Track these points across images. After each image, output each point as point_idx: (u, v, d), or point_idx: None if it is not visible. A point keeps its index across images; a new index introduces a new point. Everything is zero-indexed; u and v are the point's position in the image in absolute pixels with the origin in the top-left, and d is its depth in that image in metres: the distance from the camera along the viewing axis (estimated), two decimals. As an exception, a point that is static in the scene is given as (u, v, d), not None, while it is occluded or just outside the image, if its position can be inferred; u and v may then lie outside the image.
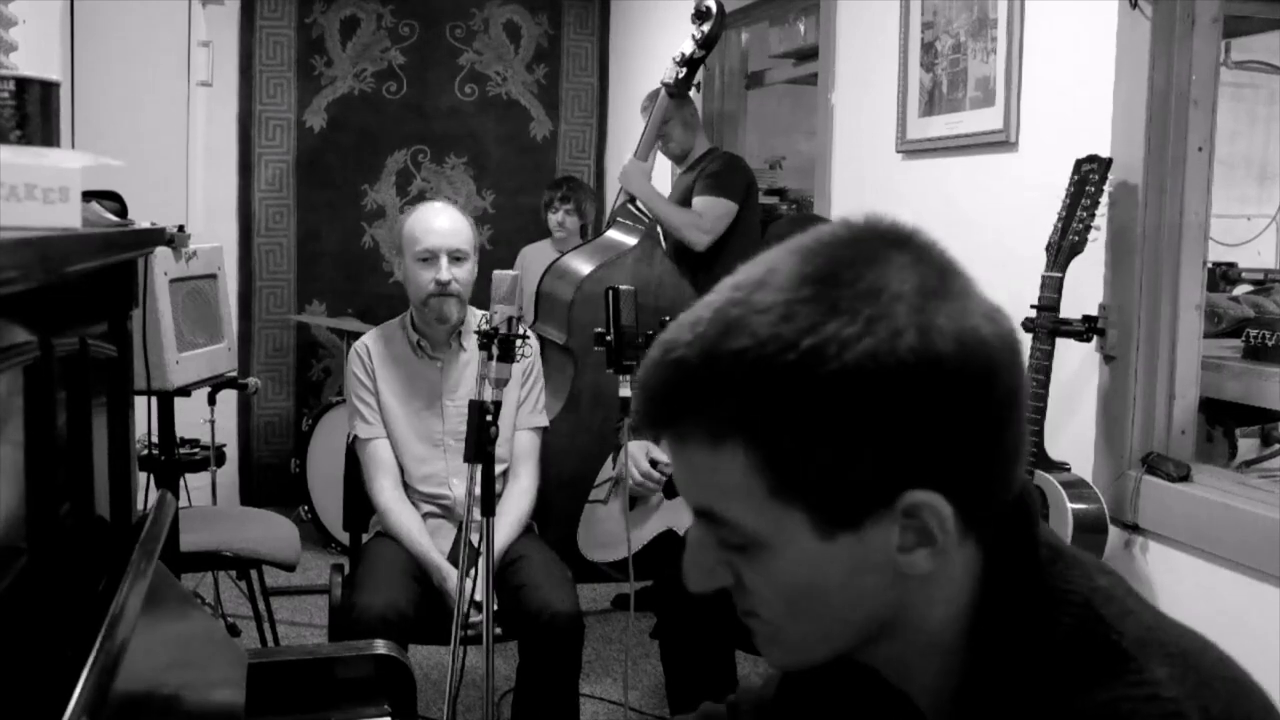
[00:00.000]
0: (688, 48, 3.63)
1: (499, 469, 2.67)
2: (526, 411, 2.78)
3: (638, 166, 3.80)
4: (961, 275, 0.74)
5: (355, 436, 2.73)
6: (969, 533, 0.75)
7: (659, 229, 3.86)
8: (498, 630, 2.47)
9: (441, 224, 2.65)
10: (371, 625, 2.29)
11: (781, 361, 0.68)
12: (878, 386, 0.68)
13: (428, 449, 2.72)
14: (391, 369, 2.73)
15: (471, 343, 2.64)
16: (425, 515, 2.69)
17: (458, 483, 2.65)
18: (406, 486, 2.71)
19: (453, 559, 2.55)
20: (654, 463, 2.98)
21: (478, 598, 2.32)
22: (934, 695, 0.80)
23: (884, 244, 0.73)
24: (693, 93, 4.01)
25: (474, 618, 2.32)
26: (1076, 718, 0.70)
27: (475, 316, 2.57)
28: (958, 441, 0.71)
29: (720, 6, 3.59)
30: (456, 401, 2.67)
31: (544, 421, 2.83)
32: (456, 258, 2.64)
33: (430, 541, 2.61)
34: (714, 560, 0.77)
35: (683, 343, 0.72)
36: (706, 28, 3.58)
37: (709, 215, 3.71)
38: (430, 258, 2.63)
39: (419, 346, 2.73)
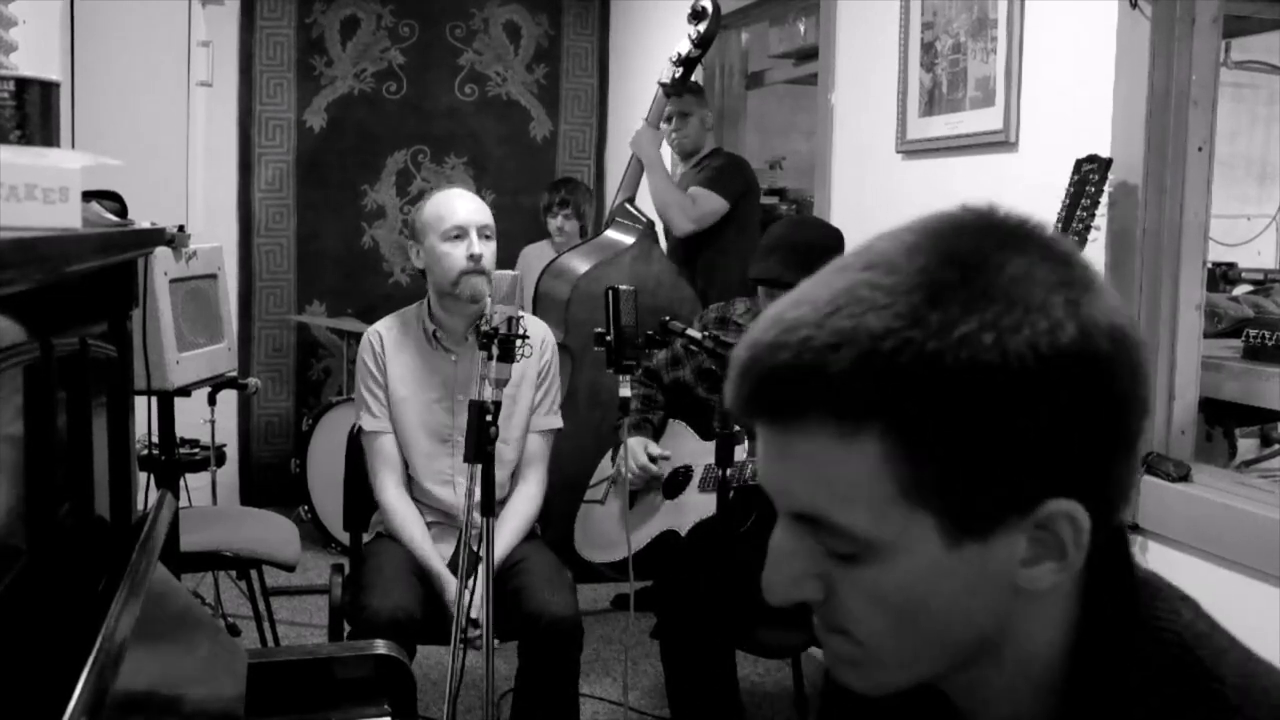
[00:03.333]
0: (684, 47, 3.65)
1: (506, 470, 2.66)
2: (541, 414, 2.72)
3: (651, 133, 3.80)
4: (1094, 270, 0.70)
5: (360, 428, 2.68)
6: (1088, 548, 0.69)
7: (656, 228, 3.86)
8: (497, 641, 2.46)
9: (468, 203, 2.62)
10: (382, 628, 2.27)
11: (933, 347, 0.63)
12: (1036, 379, 0.63)
13: (436, 444, 2.67)
14: (404, 359, 2.67)
15: None
16: (427, 515, 2.66)
17: (463, 480, 2.63)
18: (411, 482, 2.67)
19: (455, 561, 2.54)
20: (653, 458, 2.97)
21: (479, 610, 2.30)
22: None
23: (1020, 227, 0.69)
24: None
25: (473, 633, 2.30)
26: None
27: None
28: (1104, 445, 0.66)
29: (716, 6, 3.60)
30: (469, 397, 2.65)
31: (558, 424, 2.76)
32: (486, 235, 2.60)
33: (432, 547, 2.58)
34: (806, 571, 0.70)
35: (808, 322, 0.65)
36: (703, 27, 3.60)
37: (700, 204, 3.71)
38: (461, 234, 2.56)
39: (435, 338, 2.67)
